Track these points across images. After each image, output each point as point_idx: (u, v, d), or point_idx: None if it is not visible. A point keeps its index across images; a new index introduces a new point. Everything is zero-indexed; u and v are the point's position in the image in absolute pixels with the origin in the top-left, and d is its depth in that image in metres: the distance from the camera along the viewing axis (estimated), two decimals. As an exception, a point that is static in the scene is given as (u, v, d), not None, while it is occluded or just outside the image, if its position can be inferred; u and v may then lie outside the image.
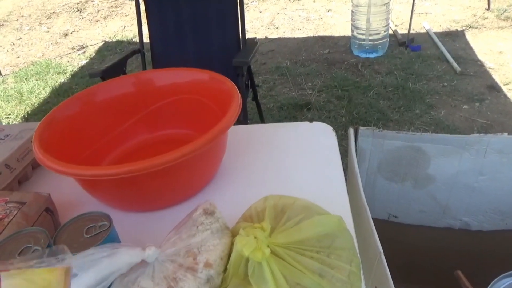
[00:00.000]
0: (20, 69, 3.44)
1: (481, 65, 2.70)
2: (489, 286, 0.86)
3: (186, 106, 0.86)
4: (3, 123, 2.61)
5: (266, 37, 3.49)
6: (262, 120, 2.10)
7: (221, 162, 0.78)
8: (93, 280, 0.44)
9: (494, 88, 2.46)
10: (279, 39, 3.45)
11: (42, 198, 0.66)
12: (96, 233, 0.52)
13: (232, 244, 0.54)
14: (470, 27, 3.22)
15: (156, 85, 0.88)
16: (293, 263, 0.49)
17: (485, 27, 3.20)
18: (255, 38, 1.81)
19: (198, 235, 0.53)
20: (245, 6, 1.73)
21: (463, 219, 1.13)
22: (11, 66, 3.55)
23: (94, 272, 0.44)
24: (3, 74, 3.39)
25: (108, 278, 0.45)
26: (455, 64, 2.68)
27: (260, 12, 4.05)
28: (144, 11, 1.82)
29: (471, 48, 2.91)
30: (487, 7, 3.48)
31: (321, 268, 0.50)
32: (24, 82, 3.18)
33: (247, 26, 1.76)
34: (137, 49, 1.84)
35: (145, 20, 1.83)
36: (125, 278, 0.49)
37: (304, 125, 0.92)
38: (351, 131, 1.00)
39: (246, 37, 1.78)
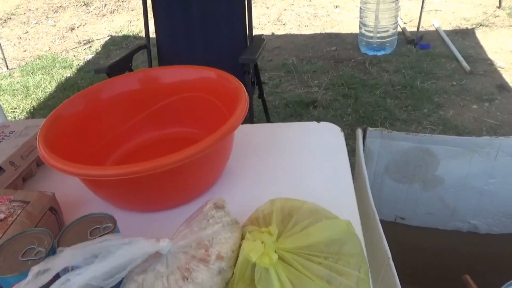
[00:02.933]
0: (26, 63, 3.45)
1: (491, 64, 2.66)
2: (498, 291, 0.84)
3: (193, 104, 0.85)
4: (9, 117, 2.62)
5: (272, 34, 3.47)
6: (268, 118, 2.08)
7: (227, 163, 0.77)
8: (108, 268, 0.44)
9: (504, 88, 2.42)
10: (285, 35, 3.43)
11: (47, 197, 0.65)
12: (100, 235, 0.52)
13: (242, 238, 0.54)
14: (480, 25, 3.18)
15: (162, 82, 0.87)
16: (300, 269, 0.48)
17: (496, 25, 3.15)
18: (262, 35, 1.80)
19: (209, 228, 0.53)
20: (252, 1, 1.72)
21: (471, 222, 1.12)
22: (17, 59, 3.56)
23: (111, 260, 0.45)
24: (9, 67, 3.39)
25: (125, 268, 0.45)
26: (464, 63, 2.64)
27: (267, 8, 4.03)
28: (151, 6, 1.81)
29: (481, 47, 2.87)
30: (498, 5, 3.43)
31: (329, 275, 0.49)
32: (30, 76, 3.19)
33: (253, 22, 1.75)
34: (143, 45, 1.83)
35: (152, 15, 1.82)
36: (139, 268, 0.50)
37: (311, 125, 0.91)
38: (359, 132, 0.99)
39: (253, 33, 1.77)
